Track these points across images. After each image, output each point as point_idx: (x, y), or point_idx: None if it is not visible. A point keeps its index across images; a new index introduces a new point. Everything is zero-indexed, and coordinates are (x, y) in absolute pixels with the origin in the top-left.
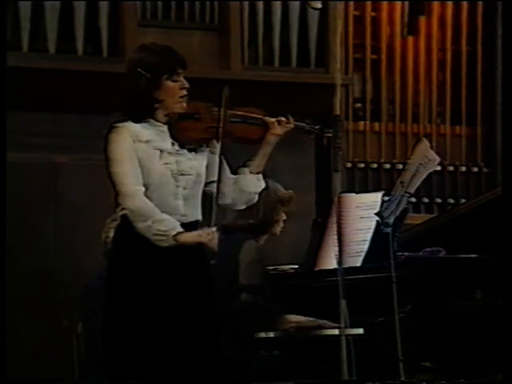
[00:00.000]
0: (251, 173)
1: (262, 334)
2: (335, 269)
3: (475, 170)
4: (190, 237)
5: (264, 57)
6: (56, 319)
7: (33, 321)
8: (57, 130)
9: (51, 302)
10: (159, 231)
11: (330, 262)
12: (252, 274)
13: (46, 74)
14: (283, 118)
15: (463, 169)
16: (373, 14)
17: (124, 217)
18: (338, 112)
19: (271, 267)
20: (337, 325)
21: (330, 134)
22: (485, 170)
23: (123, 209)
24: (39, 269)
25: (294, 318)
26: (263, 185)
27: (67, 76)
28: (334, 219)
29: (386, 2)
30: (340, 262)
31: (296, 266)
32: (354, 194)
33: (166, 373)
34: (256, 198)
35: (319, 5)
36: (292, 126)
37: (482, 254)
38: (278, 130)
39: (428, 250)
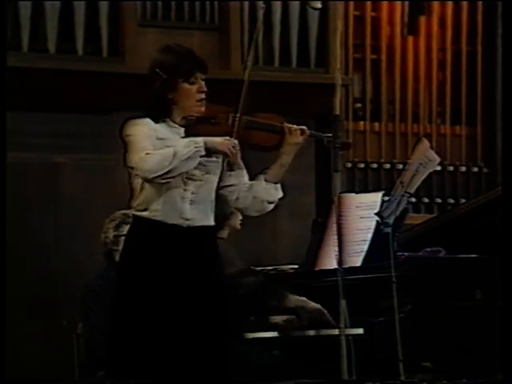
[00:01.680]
0: (266, 181)
1: (262, 334)
2: (335, 269)
3: (475, 170)
4: (216, 142)
5: (264, 57)
6: (56, 319)
7: (33, 321)
8: (57, 130)
9: (51, 301)
10: (190, 152)
11: (330, 262)
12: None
13: (46, 74)
14: (299, 127)
15: (463, 169)
16: (373, 14)
17: (136, 217)
18: (337, 112)
19: (271, 267)
20: (331, 319)
21: (329, 134)
22: (485, 170)
23: (135, 201)
24: (39, 269)
25: (299, 298)
26: (280, 194)
27: (67, 76)
28: (333, 219)
29: (386, 2)
30: (340, 262)
31: (296, 266)
32: (353, 194)
33: (174, 372)
34: (270, 207)
35: (319, 5)
36: (307, 134)
37: (482, 254)
38: (295, 139)
39: (428, 249)
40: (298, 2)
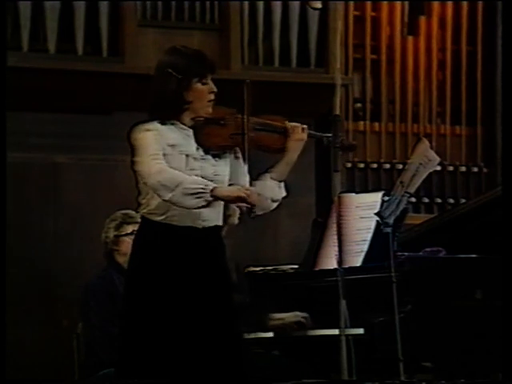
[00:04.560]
0: (272, 179)
1: (262, 334)
2: (335, 269)
3: (475, 170)
4: (229, 190)
5: (264, 57)
6: (56, 319)
7: (33, 321)
8: (57, 129)
9: (51, 301)
10: (196, 189)
11: (330, 261)
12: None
13: (46, 74)
14: (299, 125)
15: (463, 169)
16: (373, 13)
17: (148, 220)
18: (337, 112)
19: (271, 267)
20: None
21: (329, 134)
22: (485, 170)
23: (143, 208)
24: (39, 269)
25: (276, 316)
26: (283, 193)
27: (67, 76)
28: (334, 219)
29: (386, 2)
30: (340, 262)
31: (296, 266)
32: (354, 194)
33: (193, 375)
34: (273, 205)
35: (319, 5)
36: (306, 132)
37: (481, 254)
38: (297, 136)
39: (428, 249)
40: (297, 2)
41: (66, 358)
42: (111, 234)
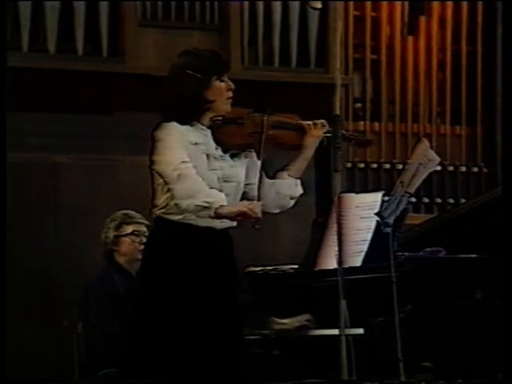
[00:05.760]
0: (290, 176)
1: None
2: (335, 269)
3: (475, 170)
4: (231, 207)
5: (264, 57)
6: (56, 319)
7: (33, 321)
8: (57, 129)
9: (51, 301)
10: (203, 205)
11: (330, 261)
12: None
13: (46, 74)
14: (319, 121)
15: (463, 169)
16: (373, 13)
17: (160, 218)
18: (337, 112)
19: (271, 267)
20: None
21: (329, 134)
22: (485, 170)
23: (160, 208)
24: (39, 269)
25: (279, 321)
26: (300, 191)
27: (67, 76)
28: (334, 219)
29: (386, 2)
30: (340, 262)
31: (296, 266)
32: (354, 194)
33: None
34: (291, 203)
35: (319, 5)
36: (326, 128)
37: (482, 254)
38: (316, 132)
39: (428, 249)
40: (297, 2)
41: (66, 358)
42: (111, 234)
